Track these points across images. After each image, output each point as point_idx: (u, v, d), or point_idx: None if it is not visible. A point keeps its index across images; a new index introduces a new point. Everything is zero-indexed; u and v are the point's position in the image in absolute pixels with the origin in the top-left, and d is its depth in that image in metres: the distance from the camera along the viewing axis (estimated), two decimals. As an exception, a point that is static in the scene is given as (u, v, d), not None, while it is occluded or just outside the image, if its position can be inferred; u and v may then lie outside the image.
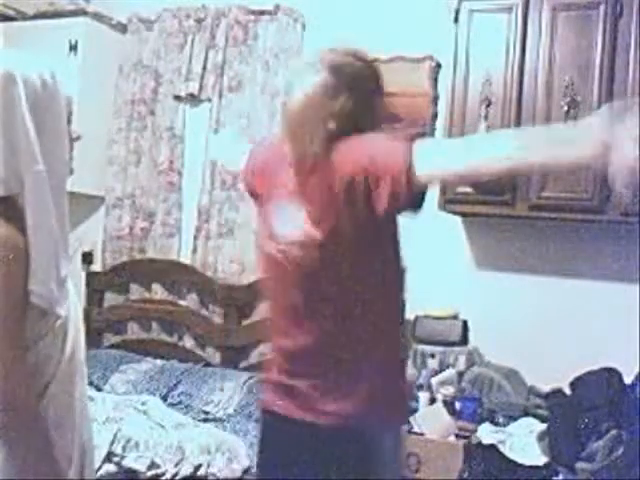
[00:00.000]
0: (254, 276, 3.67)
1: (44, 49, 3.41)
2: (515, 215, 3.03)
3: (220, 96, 3.84)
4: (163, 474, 2.72)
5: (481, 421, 2.88)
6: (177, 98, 3.95)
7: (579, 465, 2.55)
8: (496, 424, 2.88)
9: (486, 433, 2.78)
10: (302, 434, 1.79)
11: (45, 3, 4.08)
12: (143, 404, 3.15)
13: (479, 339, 3.23)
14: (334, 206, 1.69)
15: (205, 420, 3.20)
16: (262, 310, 3.65)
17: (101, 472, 2.67)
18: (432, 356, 3.12)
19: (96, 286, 4.04)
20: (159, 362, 3.66)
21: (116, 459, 2.73)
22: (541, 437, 2.70)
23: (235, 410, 3.24)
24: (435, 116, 3.42)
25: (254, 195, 2.01)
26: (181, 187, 3.95)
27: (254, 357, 3.68)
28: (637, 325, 2.87)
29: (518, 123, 2.98)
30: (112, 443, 2.76)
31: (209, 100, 3.88)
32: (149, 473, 2.72)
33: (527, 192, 2.92)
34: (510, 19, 3.01)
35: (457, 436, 2.83)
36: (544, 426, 2.74)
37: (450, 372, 3.05)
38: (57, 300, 1.41)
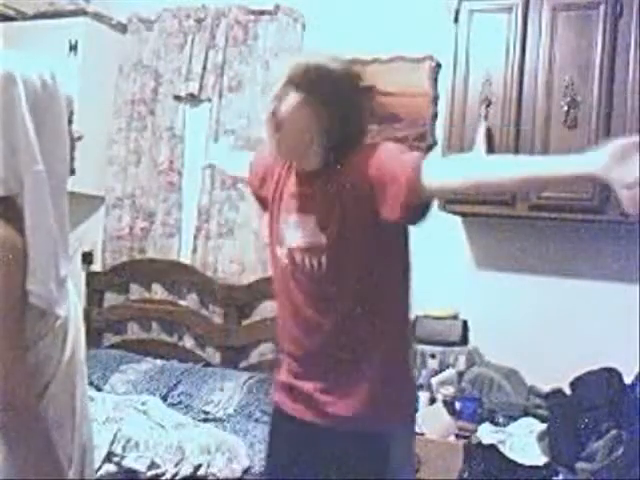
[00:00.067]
0: (254, 276, 3.68)
1: (44, 49, 3.40)
2: (515, 215, 3.03)
3: (220, 96, 3.84)
4: (163, 474, 2.72)
5: (481, 421, 2.88)
6: (177, 98, 3.95)
7: (579, 465, 2.55)
8: (496, 424, 2.88)
9: (486, 433, 2.78)
10: (310, 435, 1.80)
11: (45, 3, 4.08)
12: (143, 404, 3.15)
13: (479, 339, 3.23)
14: (341, 213, 1.70)
15: (205, 420, 3.20)
16: (262, 310, 3.66)
17: (101, 472, 2.67)
18: (432, 356, 3.12)
19: (96, 286, 4.04)
20: (159, 362, 3.66)
21: (116, 459, 2.74)
22: (541, 437, 2.70)
23: (235, 410, 3.24)
24: (435, 116, 3.42)
25: (260, 199, 2.01)
26: (181, 187, 3.95)
27: (254, 357, 3.69)
28: (637, 325, 2.87)
29: (518, 123, 2.98)
30: (112, 443, 2.76)
31: (209, 100, 3.88)
32: (149, 473, 2.72)
33: (526, 192, 2.91)
34: (510, 19, 3.01)
35: (457, 436, 2.83)
36: (544, 426, 2.74)
37: (450, 372, 3.05)
38: (56, 300, 1.40)
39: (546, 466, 2.62)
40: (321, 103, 1.71)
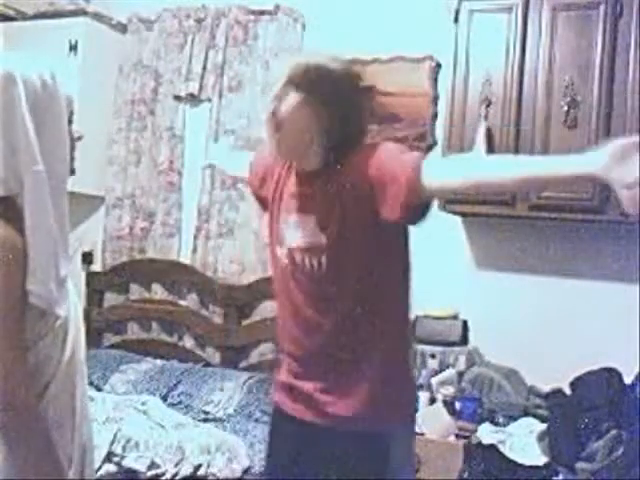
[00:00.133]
0: (254, 276, 3.68)
1: (44, 49, 3.41)
2: (515, 215, 3.03)
3: (220, 96, 3.84)
4: (163, 474, 2.72)
5: (481, 421, 2.88)
6: (177, 98, 3.95)
7: (579, 465, 2.55)
8: (496, 424, 2.88)
9: (486, 433, 2.78)
10: (310, 435, 1.80)
11: (45, 3, 4.08)
12: (143, 404, 3.15)
13: (479, 339, 3.23)
14: (341, 213, 1.70)
15: (205, 420, 3.20)
16: (262, 310, 3.66)
17: (101, 472, 2.67)
18: (432, 356, 3.12)
19: (96, 286, 4.04)
20: (159, 362, 3.66)
21: (116, 459, 2.74)
22: (541, 437, 2.70)
23: (235, 410, 3.24)
24: (435, 116, 3.42)
25: (260, 199, 2.01)
26: (181, 187, 3.95)
27: (254, 357, 3.69)
28: (637, 325, 2.87)
29: (518, 123, 2.98)
30: (112, 443, 2.76)
31: (209, 100, 3.88)
32: (149, 473, 2.72)
33: (526, 192, 2.91)
34: (510, 19, 3.01)
35: (457, 436, 2.83)
36: (544, 426, 2.74)
37: (450, 372, 3.05)
38: (56, 300, 1.40)
39: (546, 466, 2.62)
40: (321, 103, 1.71)
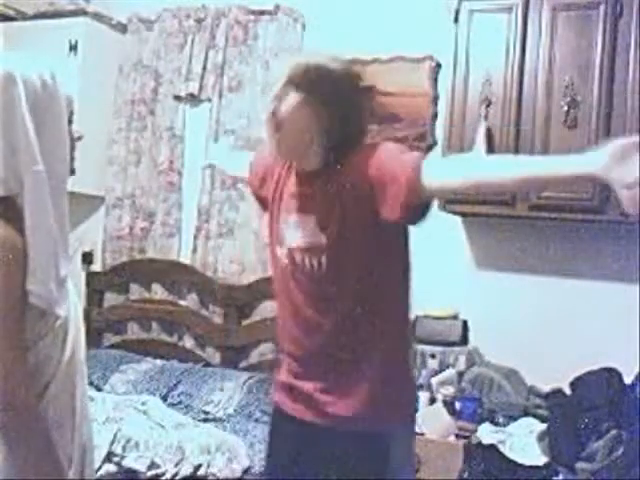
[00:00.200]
0: (254, 276, 3.68)
1: (44, 49, 3.41)
2: (515, 215, 3.03)
3: (220, 96, 3.84)
4: (163, 474, 2.72)
5: (481, 421, 2.88)
6: (177, 98, 3.95)
7: (579, 465, 2.55)
8: (496, 424, 2.88)
9: (486, 433, 2.78)
10: (310, 435, 1.81)
11: (45, 3, 4.08)
12: (143, 404, 3.15)
13: (479, 339, 3.23)
14: (341, 213, 1.70)
15: (205, 420, 3.20)
16: (262, 310, 3.66)
17: (101, 472, 2.67)
18: (432, 356, 3.12)
19: (96, 286, 4.04)
20: (159, 362, 3.66)
21: (116, 459, 2.74)
22: (541, 437, 2.70)
23: (235, 410, 3.24)
24: (435, 116, 3.42)
25: (260, 199, 2.02)
26: (181, 187, 3.95)
27: (254, 357, 3.69)
28: (637, 325, 2.87)
29: (518, 123, 2.98)
30: (112, 443, 2.76)
31: (209, 100, 3.88)
32: (149, 473, 2.72)
33: (526, 192, 2.91)
34: (510, 19, 3.01)
35: (457, 436, 2.83)
36: (544, 426, 2.74)
37: (450, 372, 3.05)
38: (56, 300, 1.40)
39: (546, 466, 2.62)
40: (321, 103, 1.71)
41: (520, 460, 2.64)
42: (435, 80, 3.43)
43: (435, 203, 3.02)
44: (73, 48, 3.87)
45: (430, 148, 3.36)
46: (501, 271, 3.30)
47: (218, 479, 2.76)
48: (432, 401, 2.97)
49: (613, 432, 2.55)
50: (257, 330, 3.64)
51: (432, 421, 2.85)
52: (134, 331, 3.97)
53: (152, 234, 3.98)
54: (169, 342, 3.90)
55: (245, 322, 3.73)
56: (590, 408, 2.65)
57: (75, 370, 1.49)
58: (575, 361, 2.85)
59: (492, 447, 2.68)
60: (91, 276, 4.06)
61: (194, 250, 3.87)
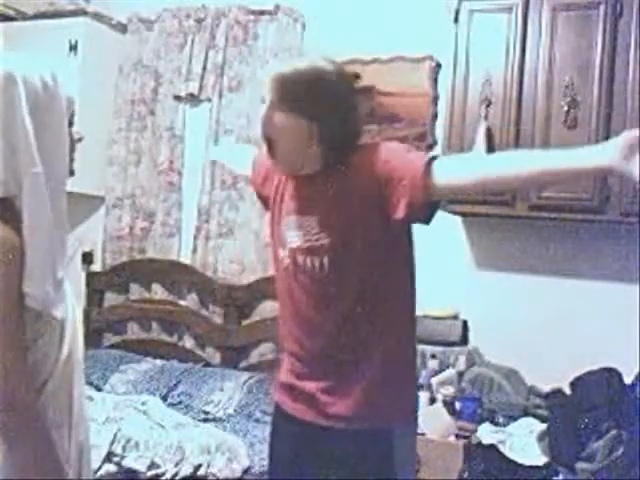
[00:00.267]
0: (254, 276, 3.68)
1: (44, 49, 3.41)
2: (515, 215, 3.03)
3: (220, 96, 3.84)
4: (163, 474, 2.72)
5: (481, 421, 2.88)
6: (177, 98, 3.95)
7: (579, 465, 2.55)
8: (496, 424, 2.88)
9: (486, 433, 2.78)
10: (310, 435, 1.80)
11: (45, 3, 4.08)
12: (143, 404, 3.15)
13: (479, 339, 3.24)
14: (343, 213, 1.70)
15: (205, 420, 3.20)
16: (262, 310, 3.66)
17: (101, 472, 2.67)
18: (432, 356, 3.12)
19: (96, 286, 4.04)
20: (159, 362, 3.66)
21: (116, 459, 2.74)
22: (541, 437, 2.70)
23: (235, 410, 3.24)
24: (435, 116, 3.42)
25: (262, 198, 2.01)
26: (181, 187, 3.95)
27: (254, 357, 3.68)
28: (637, 325, 2.87)
29: (518, 123, 2.98)
30: (112, 443, 2.76)
31: (209, 100, 3.88)
32: (149, 473, 2.72)
33: (527, 192, 2.91)
34: (510, 19, 3.01)
35: (457, 436, 2.83)
36: (544, 426, 2.74)
37: (450, 372, 3.05)
38: (53, 302, 1.40)
39: (546, 466, 2.62)
40: (311, 112, 1.70)
41: (520, 460, 2.64)
42: (435, 80, 3.43)
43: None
44: (73, 48, 3.87)
45: (430, 148, 3.36)
46: (501, 271, 3.30)
47: (218, 479, 2.76)
48: (432, 401, 2.97)
49: (613, 432, 2.55)
50: (257, 330, 3.64)
51: (432, 421, 2.85)
52: (134, 331, 3.97)
53: (152, 234, 3.98)
54: (169, 342, 3.90)
55: (245, 322, 3.73)
56: (590, 408, 2.65)
57: (73, 369, 1.48)
58: (575, 361, 2.85)
59: (492, 447, 2.68)
60: (91, 276, 4.06)
61: (194, 250, 3.87)
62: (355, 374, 1.75)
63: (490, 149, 2.96)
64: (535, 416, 2.89)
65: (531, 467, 2.62)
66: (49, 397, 1.42)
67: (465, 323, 3.24)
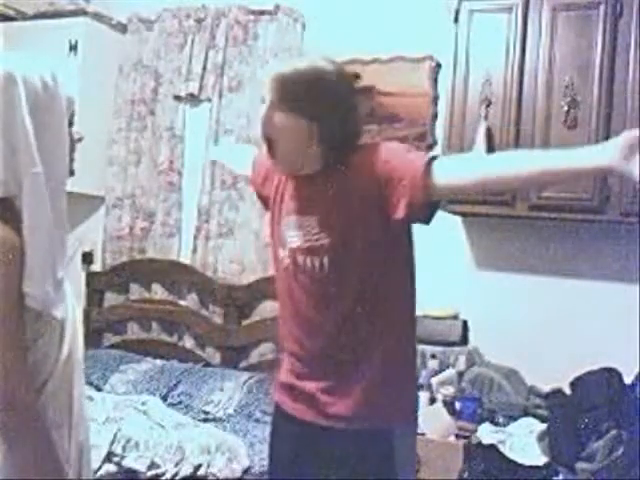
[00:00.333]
0: (254, 276, 3.68)
1: (44, 49, 3.41)
2: (515, 215, 3.03)
3: (220, 96, 3.84)
4: (163, 474, 2.72)
5: (481, 421, 2.88)
6: (177, 98, 3.95)
7: (579, 465, 2.55)
8: (496, 424, 2.88)
9: (486, 433, 2.78)
10: (310, 435, 1.80)
11: (45, 3, 4.08)
12: (143, 404, 3.15)
13: (479, 339, 3.24)
14: (343, 213, 1.70)
15: (205, 420, 3.20)
16: (262, 310, 3.66)
17: (101, 472, 2.67)
18: (432, 356, 3.12)
19: (96, 286, 4.04)
20: (159, 362, 3.66)
21: (116, 459, 2.74)
22: (541, 437, 2.70)
23: (235, 410, 3.24)
24: (435, 116, 3.42)
25: (262, 198, 2.01)
26: (181, 187, 3.95)
27: (254, 357, 3.69)
28: (637, 325, 2.87)
29: (518, 123, 2.98)
30: (112, 443, 2.76)
31: (209, 100, 3.88)
32: (149, 473, 2.72)
33: (527, 192, 2.91)
34: (510, 19, 3.01)
35: (457, 436, 2.83)
36: (544, 426, 2.74)
37: (450, 372, 3.05)
38: (53, 302, 1.40)
39: (546, 466, 2.62)
40: (310, 112, 1.70)
41: (520, 460, 2.64)
42: (435, 80, 3.43)
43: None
44: (73, 48, 3.88)
45: (430, 148, 3.36)
46: (501, 271, 3.30)
47: (218, 479, 2.76)
48: (432, 401, 2.97)
49: (613, 432, 2.55)
50: (257, 330, 3.64)
51: (432, 421, 2.85)
52: (134, 331, 3.97)
53: (152, 234, 3.98)
54: (169, 342, 3.90)
55: (245, 322, 3.73)
56: (590, 408, 2.65)
57: (73, 369, 1.48)
58: (575, 361, 2.85)
59: (492, 447, 2.68)
60: (91, 276, 4.06)
61: (194, 250, 3.87)
62: (355, 374, 1.75)
63: (490, 149, 2.96)
64: (535, 416, 2.89)
65: (531, 467, 2.62)
66: (49, 397, 1.43)
67: (465, 323, 3.24)
